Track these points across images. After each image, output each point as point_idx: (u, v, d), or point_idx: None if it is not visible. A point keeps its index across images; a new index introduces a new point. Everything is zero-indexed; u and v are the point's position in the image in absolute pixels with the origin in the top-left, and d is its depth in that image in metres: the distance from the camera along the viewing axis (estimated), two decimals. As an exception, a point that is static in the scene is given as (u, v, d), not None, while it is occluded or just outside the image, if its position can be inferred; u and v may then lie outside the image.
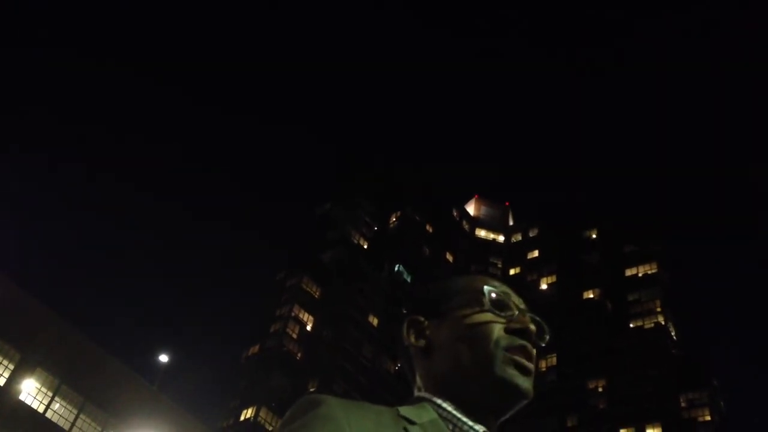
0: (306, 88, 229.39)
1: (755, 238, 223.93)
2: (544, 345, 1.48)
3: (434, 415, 1.38)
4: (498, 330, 1.43)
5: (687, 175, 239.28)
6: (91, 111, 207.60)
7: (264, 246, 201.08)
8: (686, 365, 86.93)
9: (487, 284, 1.50)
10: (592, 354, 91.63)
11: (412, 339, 1.52)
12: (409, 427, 1.31)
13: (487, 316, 1.44)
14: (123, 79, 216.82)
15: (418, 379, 1.51)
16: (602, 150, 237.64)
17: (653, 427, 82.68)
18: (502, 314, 1.46)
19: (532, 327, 1.45)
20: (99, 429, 35.96)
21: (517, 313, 1.47)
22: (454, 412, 1.39)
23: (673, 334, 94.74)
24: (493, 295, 1.48)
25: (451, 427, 1.37)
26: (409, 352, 1.54)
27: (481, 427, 1.38)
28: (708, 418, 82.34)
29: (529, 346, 1.43)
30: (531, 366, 1.43)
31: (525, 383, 1.40)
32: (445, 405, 1.40)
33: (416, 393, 1.49)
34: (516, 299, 1.51)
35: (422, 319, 1.53)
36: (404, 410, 1.35)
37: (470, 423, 1.38)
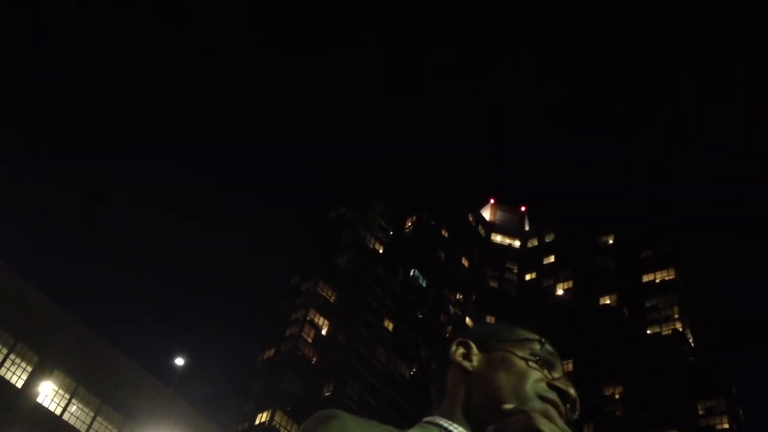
0: (318, 91, 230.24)
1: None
2: (575, 417, 1.49)
3: None
4: (539, 377, 1.46)
5: (704, 180, 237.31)
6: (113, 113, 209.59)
7: (279, 249, 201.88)
8: (704, 372, 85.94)
9: (543, 339, 1.55)
10: (609, 360, 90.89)
11: (459, 356, 1.54)
12: None
13: (533, 365, 1.48)
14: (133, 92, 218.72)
15: (445, 400, 1.52)
16: (616, 154, 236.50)
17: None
18: (547, 371, 1.49)
19: (572, 392, 1.47)
20: (115, 431, 36.20)
21: (560, 376, 1.51)
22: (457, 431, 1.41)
23: (690, 341, 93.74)
24: (545, 351, 1.52)
25: None
26: (446, 371, 1.55)
27: None
28: (726, 426, 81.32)
29: (561, 406, 1.45)
30: (559, 422, 1.41)
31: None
32: (452, 428, 1.41)
33: (426, 418, 1.50)
34: (562, 367, 1.54)
35: (472, 345, 1.55)
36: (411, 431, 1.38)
37: None
